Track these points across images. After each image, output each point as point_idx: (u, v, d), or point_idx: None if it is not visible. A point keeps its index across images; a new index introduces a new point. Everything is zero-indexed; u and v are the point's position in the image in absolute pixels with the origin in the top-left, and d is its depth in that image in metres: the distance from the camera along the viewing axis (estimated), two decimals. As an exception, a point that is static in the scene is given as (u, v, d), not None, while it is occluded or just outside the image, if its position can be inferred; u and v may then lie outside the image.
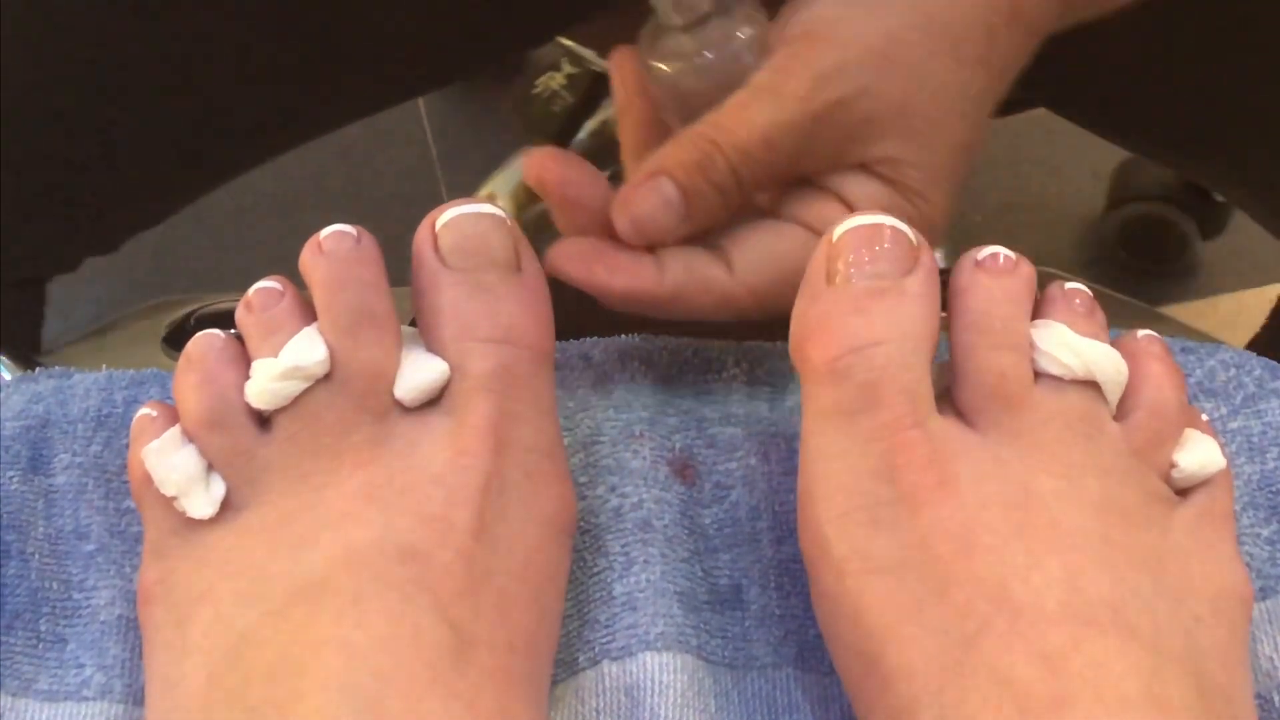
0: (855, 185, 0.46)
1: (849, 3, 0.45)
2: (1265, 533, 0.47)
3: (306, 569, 0.40)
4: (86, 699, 0.45)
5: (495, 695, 0.39)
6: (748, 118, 0.45)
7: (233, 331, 0.44)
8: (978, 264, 0.41)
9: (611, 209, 0.46)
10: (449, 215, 0.43)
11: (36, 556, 0.47)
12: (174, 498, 0.41)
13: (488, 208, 0.43)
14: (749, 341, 0.53)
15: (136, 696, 0.45)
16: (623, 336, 0.52)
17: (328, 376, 0.42)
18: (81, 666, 0.45)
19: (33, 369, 0.53)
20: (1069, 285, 0.43)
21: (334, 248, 0.42)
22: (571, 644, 0.45)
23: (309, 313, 0.43)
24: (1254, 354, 0.51)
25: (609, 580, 0.46)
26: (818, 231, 0.46)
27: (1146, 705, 0.36)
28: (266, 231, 1.48)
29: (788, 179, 0.47)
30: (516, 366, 0.42)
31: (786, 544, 0.47)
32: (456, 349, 0.42)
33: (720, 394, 0.50)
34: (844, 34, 0.45)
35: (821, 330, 0.41)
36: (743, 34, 0.47)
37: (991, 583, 0.38)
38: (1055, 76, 0.53)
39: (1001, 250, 0.42)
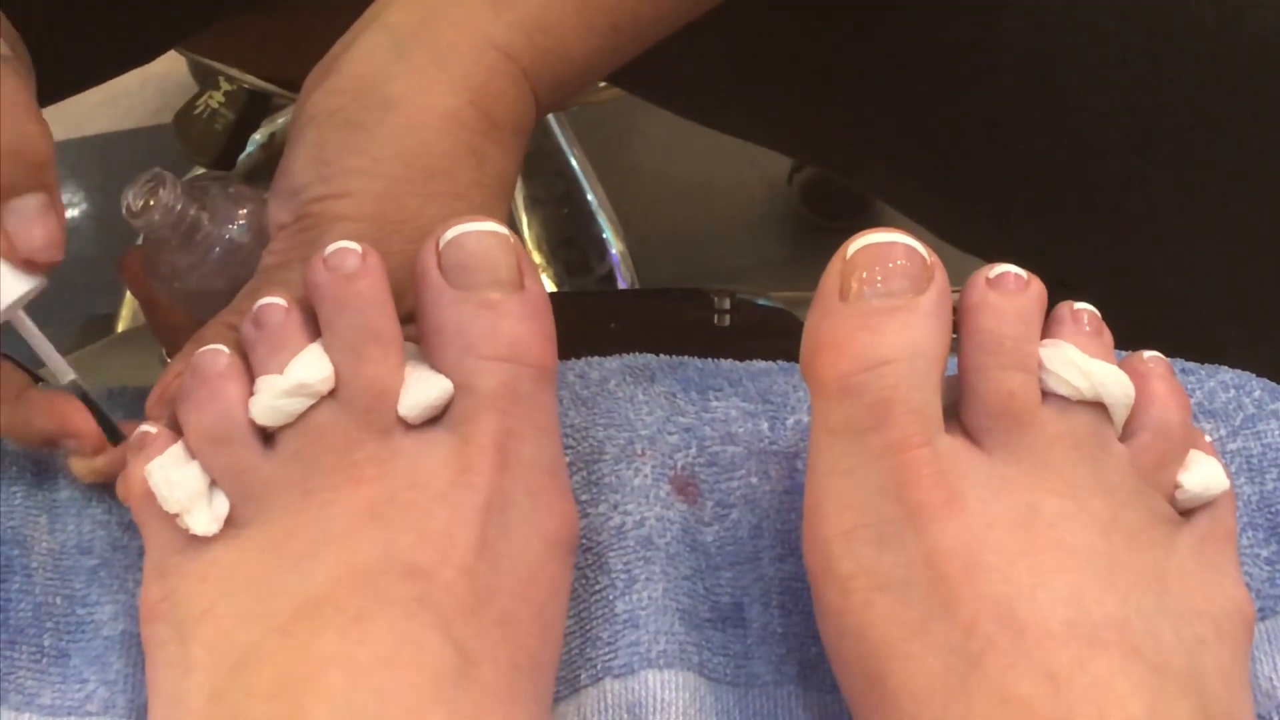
0: (407, 331, 0.45)
1: (333, 180, 0.46)
2: (1265, 553, 0.47)
3: (310, 586, 0.40)
4: (90, 714, 0.45)
5: (498, 713, 0.39)
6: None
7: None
8: (989, 282, 0.41)
9: (148, 407, 0.46)
10: (452, 233, 0.43)
11: (40, 571, 0.47)
12: (176, 515, 0.41)
13: (491, 225, 0.43)
14: (750, 360, 0.53)
15: (140, 712, 0.45)
16: (624, 355, 0.52)
17: (332, 393, 0.42)
18: (85, 682, 0.45)
19: (35, 384, 0.53)
20: (1077, 306, 0.43)
21: (338, 265, 0.42)
22: (574, 661, 0.45)
23: (314, 329, 0.43)
24: (1253, 375, 0.51)
25: (611, 598, 0.46)
26: None
27: None
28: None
29: None
30: (520, 384, 0.42)
31: (788, 562, 0.47)
32: (460, 367, 0.42)
33: (721, 413, 0.50)
34: (337, 210, 0.46)
35: (833, 347, 0.41)
36: (239, 222, 0.49)
37: (996, 601, 0.38)
38: (644, 69, 0.55)
39: (1012, 269, 0.42)
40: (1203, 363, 0.51)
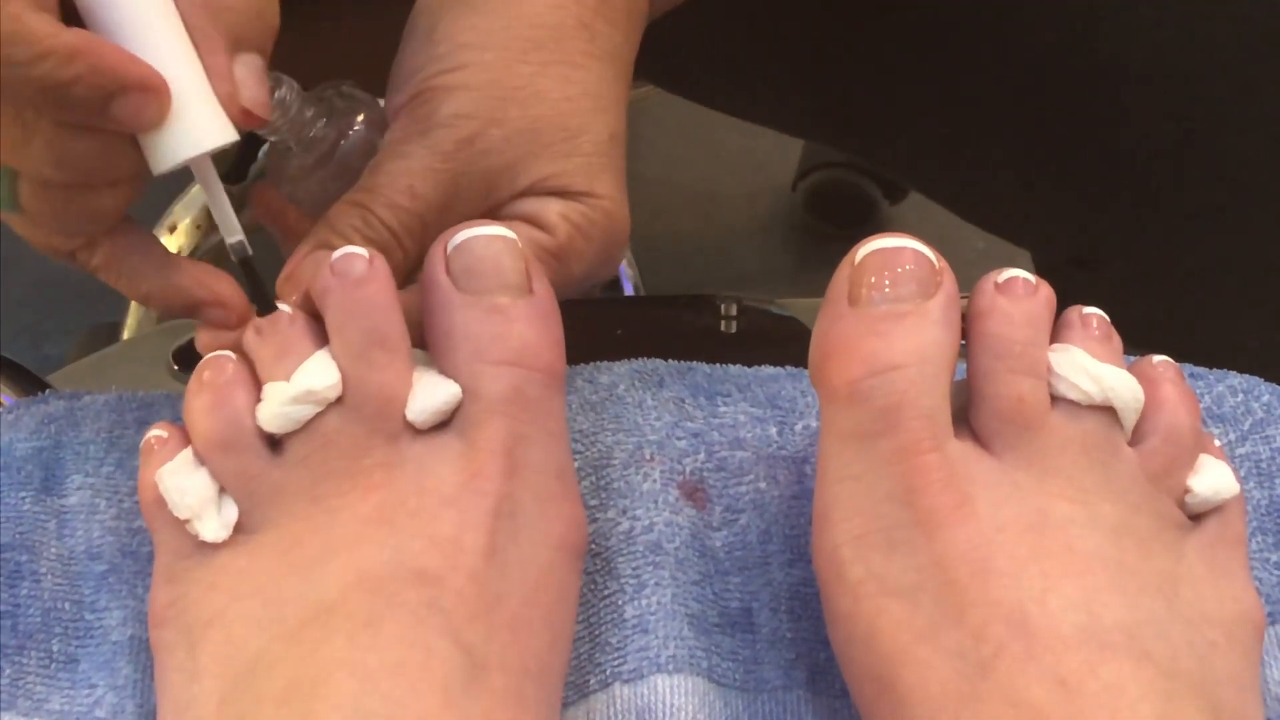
0: (530, 205, 0.47)
1: (446, 58, 0.47)
2: (1274, 558, 0.47)
3: (319, 592, 0.40)
4: (99, 719, 0.45)
5: (508, 718, 0.39)
6: (386, 173, 0.46)
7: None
8: (997, 287, 0.41)
9: (278, 285, 0.46)
10: (461, 237, 0.43)
11: (49, 577, 0.47)
12: (186, 521, 0.41)
13: (499, 230, 0.43)
14: (758, 365, 0.53)
15: (149, 718, 0.45)
16: (633, 360, 0.52)
17: (339, 400, 0.42)
18: (94, 687, 0.45)
19: (42, 390, 0.53)
20: (1086, 310, 0.43)
21: (346, 270, 0.42)
22: (583, 666, 0.45)
23: (320, 336, 0.43)
24: (1261, 380, 0.51)
25: (620, 603, 0.46)
26: None
27: None
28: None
29: (463, 220, 0.47)
30: (528, 389, 0.42)
31: (796, 567, 0.47)
32: (468, 371, 0.42)
33: (730, 418, 0.50)
34: (451, 82, 0.46)
35: (842, 352, 0.41)
36: (357, 126, 0.49)
37: (1007, 606, 0.38)
38: (661, 55, 0.55)
39: (1021, 274, 0.42)
40: (1222, 345, 0.51)
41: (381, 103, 0.49)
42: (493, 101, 0.46)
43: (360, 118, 0.49)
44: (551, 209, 0.47)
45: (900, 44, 0.68)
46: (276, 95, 0.47)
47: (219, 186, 0.44)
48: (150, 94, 0.40)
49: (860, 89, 0.71)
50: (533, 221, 0.47)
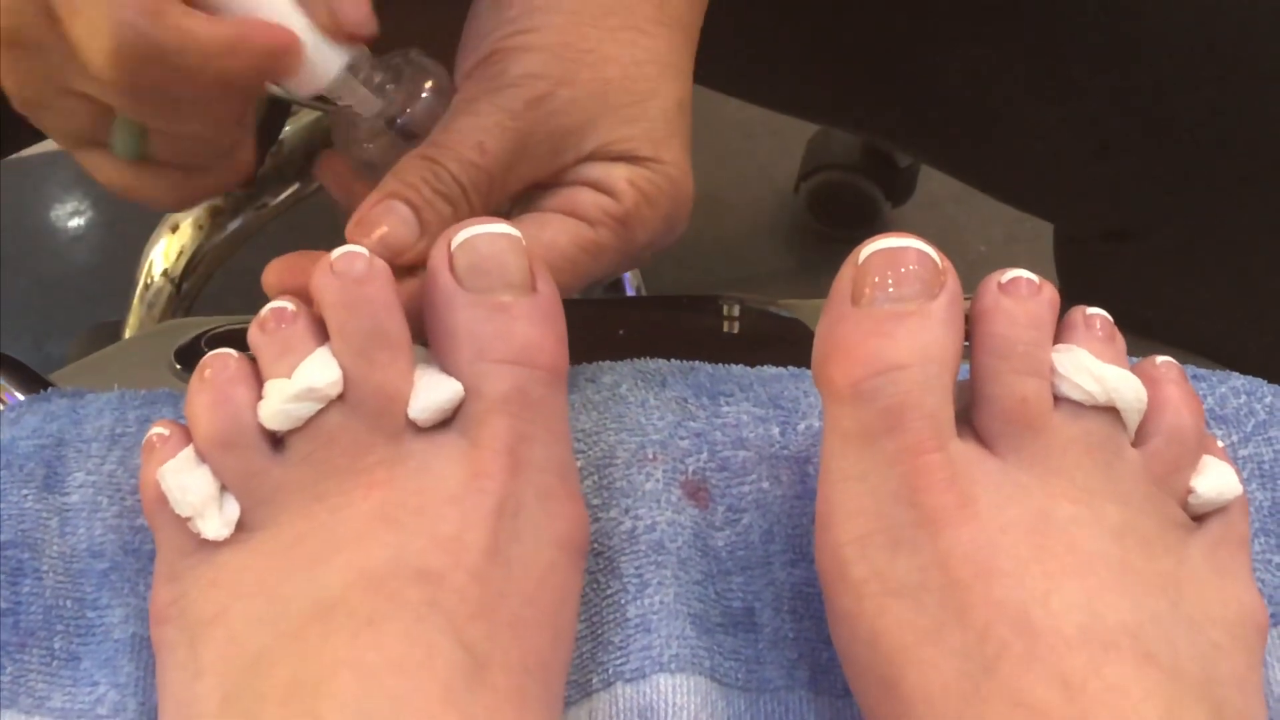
0: (596, 169, 0.47)
1: (517, 20, 0.47)
2: (1277, 559, 0.47)
3: (321, 590, 0.39)
4: (100, 717, 0.45)
5: (510, 717, 0.39)
6: (456, 130, 0.46)
7: (246, 353, 0.44)
8: (1001, 287, 0.41)
9: (347, 231, 0.46)
10: (465, 235, 0.43)
11: (51, 574, 0.47)
12: (188, 519, 0.41)
13: (503, 227, 0.43)
14: (761, 365, 0.53)
15: (150, 715, 0.45)
16: (636, 359, 0.52)
17: (341, 397, 0.42)
18: (95, 685, 0.45)
19: (44, 389, 0.53)
20: (1089, 311, 0.43)
21: (346, 269, 0.42)
22: (585, 666, 0.45)
23: (322, 333, 0.43)
24: (1264, 381, 0.51)
25: (622, 602, 0.46)
26: (579, 217, 0.47)
27: None
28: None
29: (528, 184, 0.48)
30: (531, 388, 0.42)
31: (799, 567, 0.47)
32: (471, 370, 0.42)
33: (732, 418, 0.50)
34: (522, 43, 0.46)
35: (845, 352, 0.41)
36: (424, 93, 0.49)
37: (1010, 607, 0.38)
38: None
39: (1025, 274, 0.42)
40: (1257, 314, 0.51)
41: (448, 72, 0.49)
42: (563, 63, 0.46)
43: (428, 84, 0.49)
44: (618, 174, 0.47)
45: (932, 14, 0.67)
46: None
47: (364, 92, 0.47)
48: (290, 52, 0.42)
49: (889, 60, 0.70)
50: (599, 187, 0.47)
